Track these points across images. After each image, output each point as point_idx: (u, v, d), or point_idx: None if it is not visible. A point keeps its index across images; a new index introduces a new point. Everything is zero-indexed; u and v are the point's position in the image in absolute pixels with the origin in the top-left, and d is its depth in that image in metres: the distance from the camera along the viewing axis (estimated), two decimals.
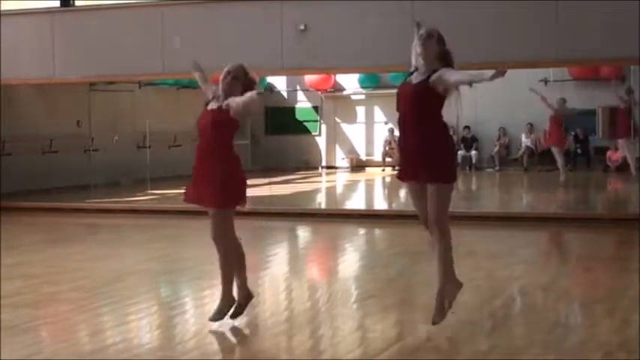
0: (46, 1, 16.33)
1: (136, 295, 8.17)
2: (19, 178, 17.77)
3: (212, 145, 6.71)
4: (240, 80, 6.63)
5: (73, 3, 15.91)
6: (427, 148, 6.33)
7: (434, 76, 6.30)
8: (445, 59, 6.42)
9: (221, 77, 6.69)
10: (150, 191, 19.35)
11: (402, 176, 6.61)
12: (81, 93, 19.65)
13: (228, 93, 6.62)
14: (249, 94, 6.40)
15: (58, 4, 15.86)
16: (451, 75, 6.29)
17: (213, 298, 8.22)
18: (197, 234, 13.11)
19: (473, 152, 25.10)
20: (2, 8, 15.93)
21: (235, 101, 6.50)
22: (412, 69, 6.55)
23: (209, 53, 14.29)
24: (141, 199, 17.76)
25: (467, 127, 25.17)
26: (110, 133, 20.50)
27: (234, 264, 6.89)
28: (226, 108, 6.58)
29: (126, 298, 8.00)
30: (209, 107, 6.83)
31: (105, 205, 16.13)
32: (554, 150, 19.35)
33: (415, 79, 6.44)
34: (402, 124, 6.48)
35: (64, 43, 15.31)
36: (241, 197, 6.86)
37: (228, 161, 6.76)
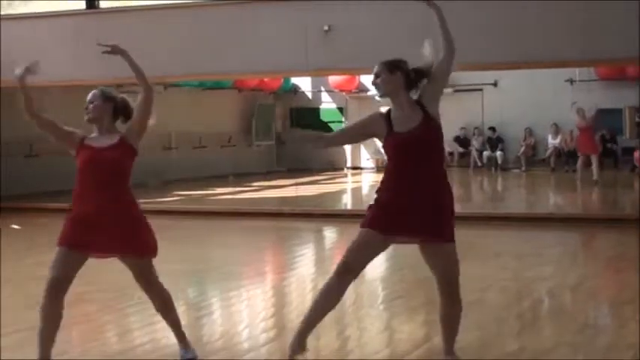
0: (71, 1, 16.43)
1: None
2: (48, 178, 17.88)
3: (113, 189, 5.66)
4: (106, 102, 5.77)
5: (98, 5, 15.98)
6: (445, 199, 5.38)
7: (429, 108, 5.36)
8: (411, 81, 5.43)
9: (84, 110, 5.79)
10: (175, 192, 19.41)
11: (389, 228, 5.55)
12: None
13: (100, 119, 5.74)
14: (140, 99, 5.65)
15: (83, 6, 15.93)
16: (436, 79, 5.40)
17: (240, 299, 8.25)
18: (222, 235, 13.17)
19: (498, 153, 25.02)
20: (29, 10, 16.03)
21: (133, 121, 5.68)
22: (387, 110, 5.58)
23: (233, 55, 14.35)
24: (167, 200, 17.81)
25: (492, 128, 25.09)
26: None
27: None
28: (126, 136, 5.71)
29: None
30: (95, 145, 5.71)
31: None
32: (592, 158, 19.50)
33: (405, 125, 5.37)
34: (409, 173, 5.40)
35: (90, 44, 15.33)
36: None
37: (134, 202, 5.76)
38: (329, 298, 5.57)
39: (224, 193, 19.44)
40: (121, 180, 5.67)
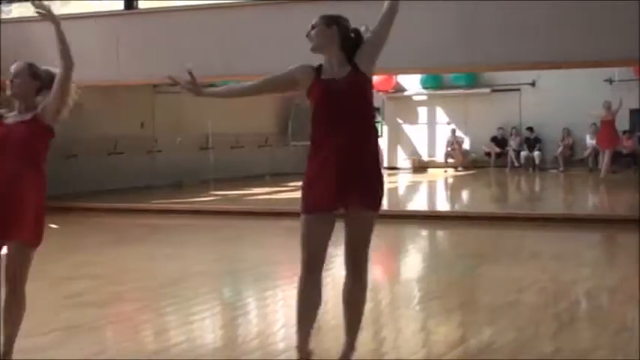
0: (109, 2, 16.54)
1: (199, 295, 8.22)
2: (85, 179, 18.05)
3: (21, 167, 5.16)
4: (32, 79, 5.40)
5: (137, 5, 16.08)
6: (369, 161, 5.01)
7: (361, 65, 5.10)
8: (347, 40, 5.18)
9: (7, 82, 5.39)
10: (213, 192, 19.49)
11: (320, 204, 5.13)
12: (145, 95, 19.88)
13: (24, 97, 5.36)
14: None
15: (122, 6, 16.05)
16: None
17: (275, 299, 8.26)
18: (258, 235, 13.19)
19: (536, 153, 24.86)
20: (69, 11, 16.17)
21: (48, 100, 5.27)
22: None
23: (270, 55, 14.36)
24: (203, 200, 17.88)
25: (530, 128, 24.94)
26: (173, 135, 20.70)
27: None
28: (40, 114, 5.27)
29: (189, 298, 8.05)
30: (7, 120, 5.32)
31: (168, 205, 16.25)
32: (606, 152, 19.37)
33: (332, 75, 5.08)
34: (332, 125, 4.96)
35: (128, 45, 15.48)
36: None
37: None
38: (305, 302, 5.34)
39: (261, 193, 19.47)
40: (28, 161, 5.15)
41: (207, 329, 7.08)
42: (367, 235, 5.06)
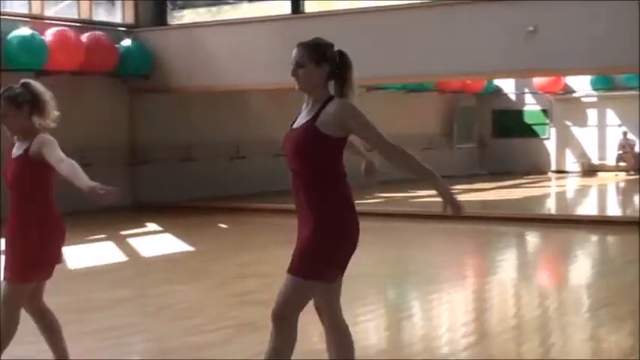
0: (276, 6, 16.84)
1: (364, 297, 8.24)
2: (253, 180, 18.43)
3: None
4: (18, 109, 4.89)
5: (303, 9, 16.30)
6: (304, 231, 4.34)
7: (330, 105, 4.31)
8: (339, 79, 4.38)
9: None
10: (377, 194, 19.53)
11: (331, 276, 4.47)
12: None
13: (16, 129, 4.95)
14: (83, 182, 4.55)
15: (289, 10, 16.30)
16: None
17: (440, 302, 8.20)
18: (423, 237, 13.13)
19: None
20: (238, 16, 16.57)
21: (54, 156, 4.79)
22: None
23: (436, 57, 14.30)
24: (368, 202, 17.93)
25: None
26: None
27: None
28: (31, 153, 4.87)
29: (355, 299, 8.08)
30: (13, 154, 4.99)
31: None
32: None
33: (298, 121, 4.42)
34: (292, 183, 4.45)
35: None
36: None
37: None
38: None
39: (425, 195, 19.37)
40: (20, 196, 4.96)
41: (372, 331, 7.09)
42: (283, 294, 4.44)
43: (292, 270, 4.30)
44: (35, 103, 4.94)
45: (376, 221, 14.91)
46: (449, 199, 4.44)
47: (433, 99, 24.69)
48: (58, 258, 5.09)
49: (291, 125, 4.44)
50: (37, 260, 4.94)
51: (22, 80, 5.02)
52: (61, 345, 5.21)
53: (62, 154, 4.78)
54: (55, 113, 5.03)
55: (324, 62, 4.32)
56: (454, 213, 4.39)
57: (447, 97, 25.26)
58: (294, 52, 4.37)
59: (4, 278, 4.95)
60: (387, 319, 7.58)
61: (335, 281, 4.45)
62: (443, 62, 14.39)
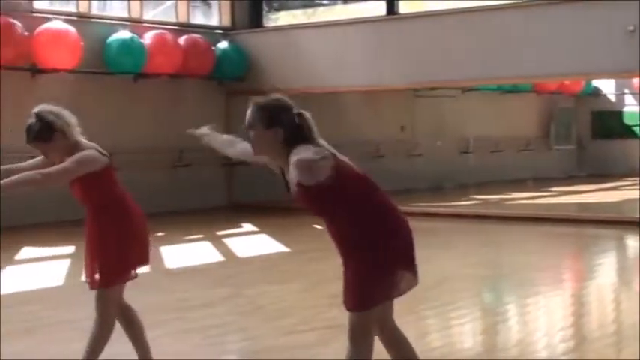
0: (371, 7, 16.85)
1: (459, 300, 8.19)
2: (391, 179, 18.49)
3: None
4: (48, 143, 4.96)
5: (398, 10, 16.26)
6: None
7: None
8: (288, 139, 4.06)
9: None
10: (472, 196, 19.39)
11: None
12: (405, 99, 20.05)
13: (58, 159, 4.99)
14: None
15: (384, 12, 16.28)
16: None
17: (536, 306, 8.09)
18: (519, 240, 12.97)
19: None
20: (332, 17, 16.62)
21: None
22: None
23: (533, 57, 14.11)
24: (464, 204, 17.82)
25: None
26: (433, 139, 20.77)
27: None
28: None
29: (449, 302, 8.04)
30: None
31: (428, 209, 16.30)
32: None
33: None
34: None
35: (390, 50, 15.68)
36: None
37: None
38: None
39: (522, 197, 19.17)
40: (91, 208, 5.11)
41: (467, 334, 7.04)
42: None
43: (348, 306, 4.21)
44: (55, 129, 4.94)
45: (472, 223, 14.80)
46: None
47: (530, 100, 24.36)
48: (142, 259, 5.15)
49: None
50: (119, 264, 5.04)
51: (34, 111, 5.06)
52: (144, 342, 5.28)
53: (63, 167, 4.83)
54: (74, 126, 5.01)
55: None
56: None
57: (544, 98, 24.90)
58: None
59: (92, 288, 5.06)
60: (482, 322, 7.51)
61: (397, 295, 4.28)
62: (540, 63, 14.19)
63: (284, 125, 4.04)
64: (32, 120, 4.99)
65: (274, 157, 4.15)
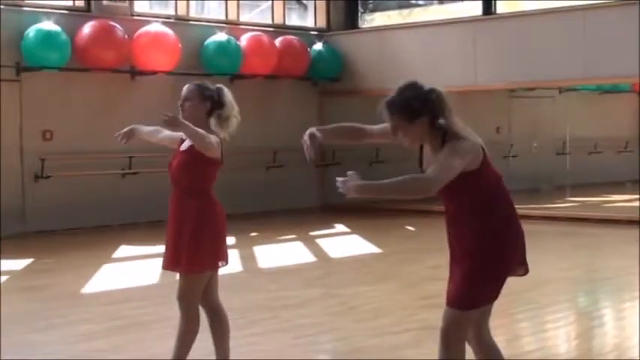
0: (468, 7, 16.73)
1: (554, 303, 8.08)
2: None
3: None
4: (198, 102, 5.11)
5: (495, 11, 16.12)
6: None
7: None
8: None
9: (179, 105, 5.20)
10: (569, 198, 19.08)
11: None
12: (501, 99, 19.85)
13: (191, 119, 5.07)
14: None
15: (480, 12, 16.15)
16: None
17: (633, 310, 7.92)
18: (618, 244, 12.71)
19: None
20: (428, 18, 16.54)
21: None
22: None
23: (633, 57, 13.81)
24: (560, 206, 17.55)
25: None
26: (529, 140, 20.50)
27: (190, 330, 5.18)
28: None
29: (545, 305, 7.94)
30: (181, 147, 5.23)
31: (524, 211, 16.08)
32: None
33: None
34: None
35: (486, 50, 15.55)
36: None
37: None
38: None
39: (621, 200, 18.78)
40: (182, 189, 5.17)
41: (562, 338, 6.95)
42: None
43: (450, 302, 4.17)
44: (219, 107, 5.13)
45: (569, 226, 14.56)
46: None
47: (630, 100, 23.84)
48: (220, 255, 5.13)
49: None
50: (211, 252, 5.06)
51: (218, 85, 5.22)
52: (225, 347, 5.28)
53: (210, 138, 4.99)
54: (233, 127, 5.21)
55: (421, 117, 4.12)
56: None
57: None
58: (385, 112, 4.19)
59: (183, 271, 5.06)
60: (578, 326, 7.39)
61: (492, 302, 4.25)
62: (629, 63, 13.88)
63: (428, 113, 4.12)
64: (212, 85, 5.20)
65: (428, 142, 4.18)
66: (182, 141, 5.20)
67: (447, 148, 4.03)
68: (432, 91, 4.19)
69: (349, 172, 3.90)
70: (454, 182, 4.03)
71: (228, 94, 5.19)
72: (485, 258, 4.10)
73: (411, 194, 4.06)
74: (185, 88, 5.16)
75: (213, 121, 5.16)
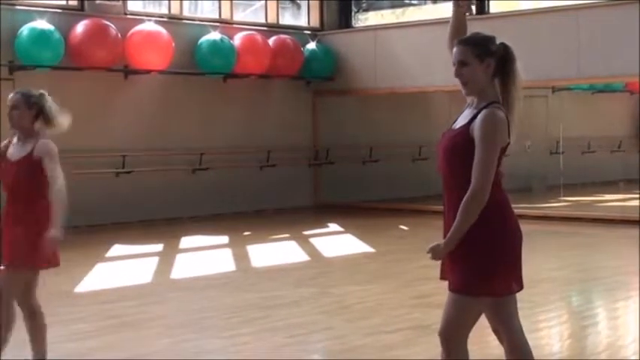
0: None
1: (547, 303, 8.08)
2: (436, 182, 18.34)
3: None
4: (24, 109, 5.38)
5: (488, 10, 16.12)
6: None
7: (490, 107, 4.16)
8: (503, 75, 4.18)
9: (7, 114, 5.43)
10: (562, 198, 19.09)
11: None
12: None
13: (19, 126, 5.45)
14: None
15: (474, 11, 16.14)
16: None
17: (626, 310, 7.94)
18: (611, 243, 12.74)
19: None
20: (422, 18, 16.52)
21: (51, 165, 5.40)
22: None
23: (624, 56, 13.84)
24: (553, 206, 17.57)
25: None
26: (523, 139, 20.51)
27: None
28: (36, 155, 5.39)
29: (537, 304, 7.93)
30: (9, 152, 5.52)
31: (517, 210, 16.10)
32: None
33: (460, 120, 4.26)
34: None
35: None
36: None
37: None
38: None
39: (613, 199, 18.82)
40: (16, 197, 5.49)
41: (554, 337, 6.96)
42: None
43: (453, 287, 4.08)
44: (43, 112, 5.43)
45: (562, 225, 14.59)
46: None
47: (623, 100, 23.89)
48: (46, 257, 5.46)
49: (451, 126, 4.26)
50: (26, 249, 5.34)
51: (40, 91, 5.48)
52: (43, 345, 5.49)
53: (59, 171, 5.38)
54: (64, 125, 5.59)
55: (488, 57, 4.08)
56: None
57: (636, 98, 24.39)
58: (455, 50, 4.15)
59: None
60: (570, 326, 7.40)
61: (503, 294, 4.21)
62: (632, 61, 13.91)
63: (494, 56, 4.12)
64: (34, 91, 5.45)
65: (479, 93, 4.17)
66: (7, 148, 5.44)
67: (483, 122, 4.04)
68: (507, 47, 4.18)
69: (430, 247, 4.07)
70: (469, 147, 4.02)
71: (48, 99, 5.45)
72: (489, 238, 4.11)
73: (477, 213, 4.01)
74: (10, 97, 5.37)
75: (38, 125, 5.42)
